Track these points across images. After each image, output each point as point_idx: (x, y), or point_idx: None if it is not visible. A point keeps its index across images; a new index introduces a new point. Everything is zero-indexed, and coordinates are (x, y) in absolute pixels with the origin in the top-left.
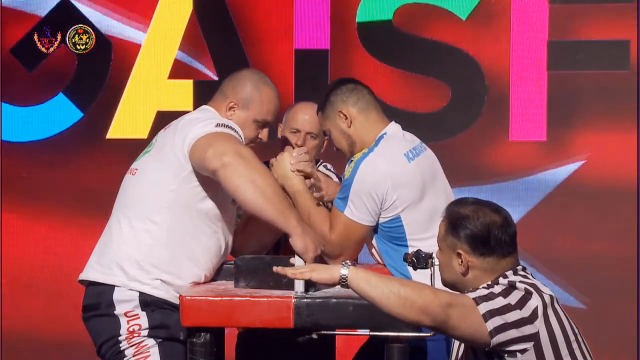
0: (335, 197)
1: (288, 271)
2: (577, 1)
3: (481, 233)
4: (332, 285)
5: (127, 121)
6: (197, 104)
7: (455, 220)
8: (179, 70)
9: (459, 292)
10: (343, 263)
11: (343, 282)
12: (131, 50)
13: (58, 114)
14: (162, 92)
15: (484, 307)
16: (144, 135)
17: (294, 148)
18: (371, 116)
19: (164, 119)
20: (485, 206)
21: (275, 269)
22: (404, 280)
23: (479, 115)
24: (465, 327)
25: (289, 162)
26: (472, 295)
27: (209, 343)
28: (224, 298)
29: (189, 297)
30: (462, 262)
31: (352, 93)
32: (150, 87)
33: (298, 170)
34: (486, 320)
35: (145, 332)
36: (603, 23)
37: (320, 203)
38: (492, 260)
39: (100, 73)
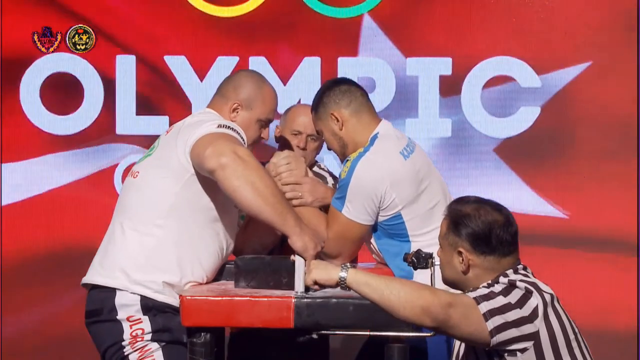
0: (323, 201)
1: None
2: None
3: (482, 232)
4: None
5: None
6: None
7: (456, 218)
8: None
9: (459, 292)
10: (342, 266)
11: (342, 284)
12: None
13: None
14: None
15: (484, 307)
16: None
17: (293, 150)
18: (363, 118)
19: None
20: (487, 205)
21: None
22: (404, 281)
23: None
24: (466, 327)
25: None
26: (472, 294)
27: (209, 343)
28: (224, 298)
29: (189, 297)
30: (463, 260)
31: (344, 95)
32: None
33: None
34: (486, 320)
35: (149, 336)
36: None
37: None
38: (493, 259)
39: None
